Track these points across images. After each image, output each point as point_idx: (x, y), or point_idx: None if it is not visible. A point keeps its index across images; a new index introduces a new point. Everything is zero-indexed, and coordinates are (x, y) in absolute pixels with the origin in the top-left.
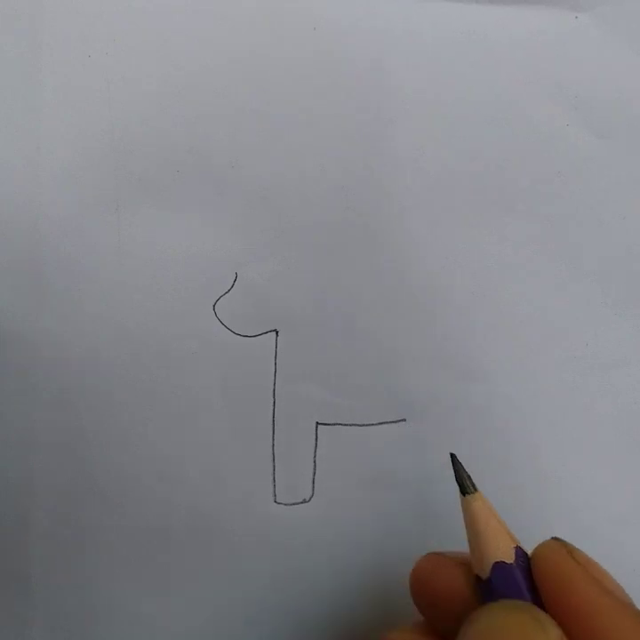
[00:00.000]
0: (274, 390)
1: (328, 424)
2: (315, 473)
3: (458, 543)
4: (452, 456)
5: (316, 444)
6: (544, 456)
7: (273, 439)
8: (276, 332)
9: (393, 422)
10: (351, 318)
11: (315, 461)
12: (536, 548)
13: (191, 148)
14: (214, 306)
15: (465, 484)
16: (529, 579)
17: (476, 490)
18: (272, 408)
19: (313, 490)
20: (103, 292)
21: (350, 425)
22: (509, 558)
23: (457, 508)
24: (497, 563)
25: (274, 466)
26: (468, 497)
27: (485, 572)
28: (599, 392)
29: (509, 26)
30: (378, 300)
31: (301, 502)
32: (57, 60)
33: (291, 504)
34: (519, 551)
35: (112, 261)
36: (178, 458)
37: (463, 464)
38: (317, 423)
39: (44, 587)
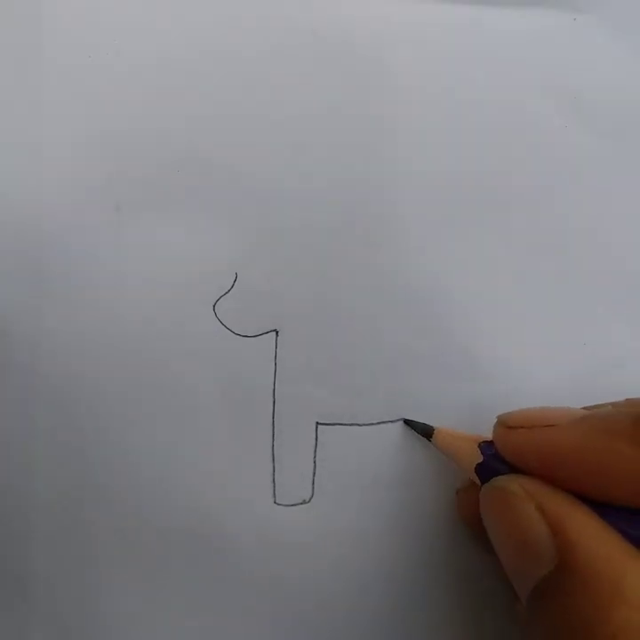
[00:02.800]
0: (274, 390)
1: (328, 424)
2: (315, 473)
3: (458, 542)
4: (405, 421)
5: (316, 445)
6: None
7: (273, 439)
8: (276, 332)
9: (393, 422)
10: (351, 318)
11: (315, 462)
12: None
13: (191, 148)
14: (214, 306)
15: (426, 432)
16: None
17: (433, 429)
18: (272, 408)
19: (313, 490)
20: (103, 291)
21: (350, 425)
22: (478, 456)
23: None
24: (476, 466)
25: (273, 466)
26: (432, 440)
27: (472, 472)
28: (598, 392)
29: (509, 27)
30: (378, 301)
31: (301, 503)
32: (57, 60)
33: (290, 505)
34: (483, 445)
35: (112, 261)
36: (178, 458)
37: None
38: (317, 423)
39: (44, 587)
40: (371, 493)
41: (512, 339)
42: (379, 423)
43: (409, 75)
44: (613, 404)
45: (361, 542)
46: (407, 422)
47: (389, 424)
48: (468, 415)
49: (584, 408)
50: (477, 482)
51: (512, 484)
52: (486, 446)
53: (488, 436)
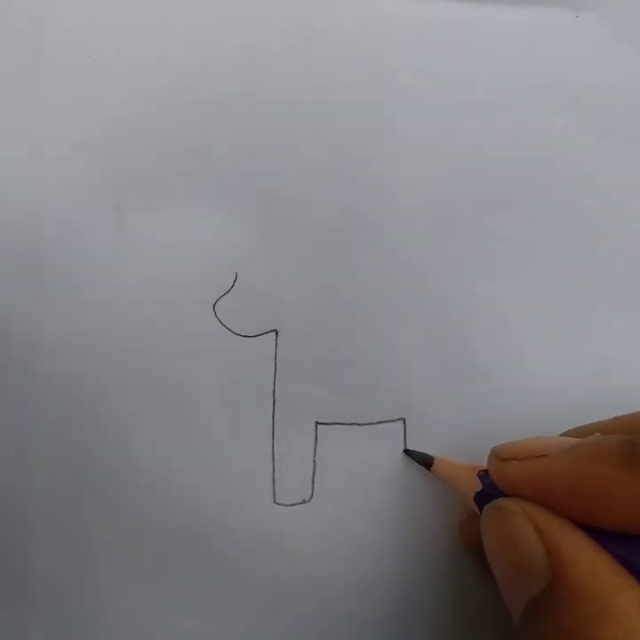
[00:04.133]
0: (274, 390)
1: (328, 424)
2: (314, 473)
3: (454, 540)
4: (405, 451)
5: (316, 444)
6: None
7: (272, 439)
8: (276, 332)
9: (393, 422)
10: (351, 318)
11: (314, 461)
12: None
13: (191, 148)
14: (214, 306)
15: (425, 462)
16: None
17: (433, 459)
18: (272, 408)
19: (312, 490)
20: (103, 291)
21: (350, 425)
22: (477, 485)
23: (455, 509)
24: (475, 494)
25: (273, 466)
26: (432, 469)
27: (471, 501)
28: (597, 392)
29: (510, 26)
30: (378, 301)
31: (301, 502)
32: (57, 60)
33: (290, 504)
34: (481, 474)
35: (112, 261)
36: (177, 458)
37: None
38: (317, 423)
39: (44, 587)
40: (370, 493)
41: (512, 339)
42: (378, 423)
43: (409, 74)
44: (602, 423)
45: (360, 542)
46: (407, 452)
47: (389, 424)
48: (467, 415)
49: (573, 429)
50: (476, 510)
51: (512, 504)
52: (485, 475)
53: (484, 462)
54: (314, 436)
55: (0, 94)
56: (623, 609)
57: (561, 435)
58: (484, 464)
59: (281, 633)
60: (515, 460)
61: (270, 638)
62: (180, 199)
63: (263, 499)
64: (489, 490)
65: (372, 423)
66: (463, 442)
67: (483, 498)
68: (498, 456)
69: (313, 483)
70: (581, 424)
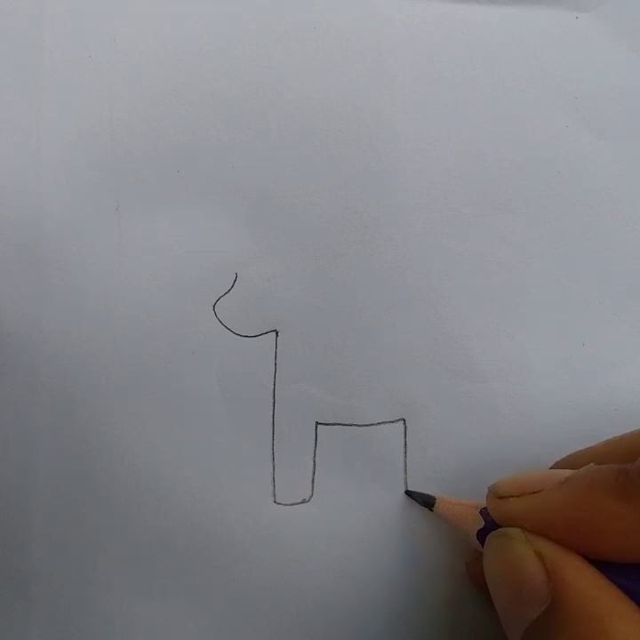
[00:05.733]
0: (274, 390)
1: (328, 424)
2: (314, 473)
3: (457, 541)
4: (407, 492)
5: (316, 444)
6: (544, 456)
7: (272, 439)
8: (276, 332)
9: (393, 422)
10: (351, 318)
11: (314, 461)
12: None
13: (191, 148)
14: (214, 306)
15: (428, 502)
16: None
17: (434, 499)
18: (272, 408)
19: (312, 490)
20: (103, 291)
21: (350, 425)
22: (479, 522)
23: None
24: (478, 531)
25: (273, 466)
26: (434, 509)
27: (474, 538)
28: (597, 392)
29: (510, 26)
30: (378, 300)
31: (301, 502)
32: (57, 60)
33: (290, 504)
34: (483, 511)
35: (112, 261)
36: (177, 458)
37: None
38: (317, 423)
39: (44, 587)
40: (370, 493)
41: (511, 338)
42: (378, 424)
43: (409, 74)
44: (592, 450)
45: (360, 542)
46: (408, 493)
47: (389, 424)
48: (467, 415)
49: (566, 459)
50: (479, 548)
51: (514, 531)
52: (486, 512)
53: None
54: (314, 436)
55: (0, 94)
56: (623, 633)
57: (554, 464)
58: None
59: (281, 633)
60: (511, 497)
61: (270, 638)
62: (180, 199)
63: (263, 498)
64: (491, 526)
65: (371, 424)
66: (463, 442)
67: (485, 534)
68: (495, 494)
69: (313, 483)
70: (582, 424)
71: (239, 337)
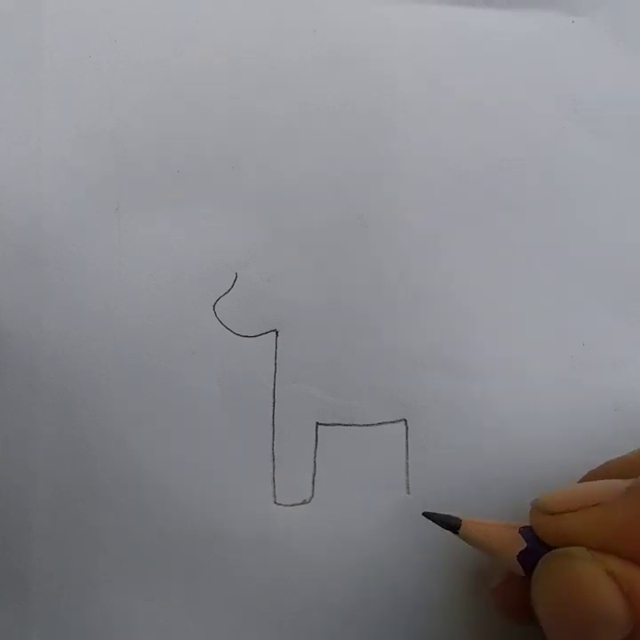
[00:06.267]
0: (274, 390)
1: (328, 424)
2: (315, 473)
3: (456, 541)
4: (425, 514)
5: (316, 445)
6: (546, 456)
7: (273, 439)
8: (276, 332)
9: (393, 422)
10: (351, 318)
11: (315, 462)
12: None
13: (191, 148)
14: (214, 306)
15: (451, 525)
16: None
17: (459, 521)
18: (272, 408)
19: (313, 491)
20: (103, 291)
21: (350, 425)
22: (520, 544)
23: (455, 510)
24: (519, 554)
25: (273, 466)
26: (460, 532)
27: (514, 561)
28: (597, 392)
29: (507, 29)
30: (378, 300)
31: (301, 503)
32: (57, 60)
33: (291, 505)
34: (523, 531)
35: (112, 261)
36: (177, 458)
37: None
38: (317, 423)
39: (44, 587)
40: (371, 494)
41: (512, 338)
42: (379, 424)
43: (408, 75)
44: (625, 459)
45: (361, 543)
46: (427, 515)
47: (389, 424)
48: (468, 415)
49: (598, 469)
50: (519, 572)
51: (578, 550)
52: (527, 531)
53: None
54: (314, 436)
55: (0, 94)
56: None
57: (588, 474)
58: (511, 519)
59: (281, 633)
60: (567, 512)
61: (270, 638)
62: (180, 199)
63: (263, 499)
64: (537, 547)
65: (372, 424)
66: (465, 443)
67: (530, 557)
68: (546, 511)
69: (313, 483)
70: (582, 424)
71: (239, 337)
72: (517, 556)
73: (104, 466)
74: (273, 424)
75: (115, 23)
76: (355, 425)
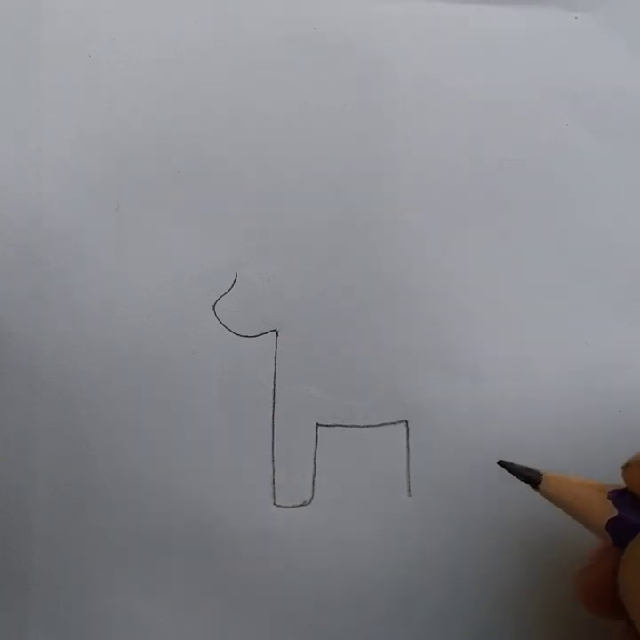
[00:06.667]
0: (274, 390)
1: (328, 425)
2: (315, 475)
3: (456, 542)
4: (501, 464)
5: (316, 446)
6: (547, 457)
7: (272, 440)
8: (276, 332)
9: (393, 423)
10: (351, 319)
11: (315, 463)
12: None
13: (191, 148)
14: (214, 306)
15: (531, 478)
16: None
17: (541, 475)
18: (272, 409)
19: (313, 492)
20: (103, 291)
21: (350, 426)
22: (610, 511)
23: (456, 511)
24: (608, 522)
25: (273, 467)
26: (540, 487)
27: (602, 529)
28: (601, 392)
29: (509, 26)
30: (378, 300)
31: (301, 505)
32: (57, 59)
33: (290, 506)
34: (613, 495)
35: (112, 261)
36: (177, 459)
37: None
38: (317, 424)
39: (44, 587)
40: (371, 495)
41: (513, 338)
42: (379, 425)
43: (409, 74)
44: None
45: (361, 544)
46: (503, 464)
47: (390, 425)
48: (468, 415)
49: None
50: (607, 539)
51: None
52: (620, 495)
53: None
54: (314, 437)
55: (0, 94)
56: None
57: None
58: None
59: (280, 634)
60: None
61: (270, 638)
62: (179, 199)
63: (263, 500)
64: (628, 515)
65: (372, 425)
66: (466, 443)
67: (619, 526)
68: None
69: (313, 485)
70: (584, 425)
71: (239, 337)
72: (606, 524)
73: (104, 466)
74: (273, 424)
75: (114, 23)
76: (355, 426)
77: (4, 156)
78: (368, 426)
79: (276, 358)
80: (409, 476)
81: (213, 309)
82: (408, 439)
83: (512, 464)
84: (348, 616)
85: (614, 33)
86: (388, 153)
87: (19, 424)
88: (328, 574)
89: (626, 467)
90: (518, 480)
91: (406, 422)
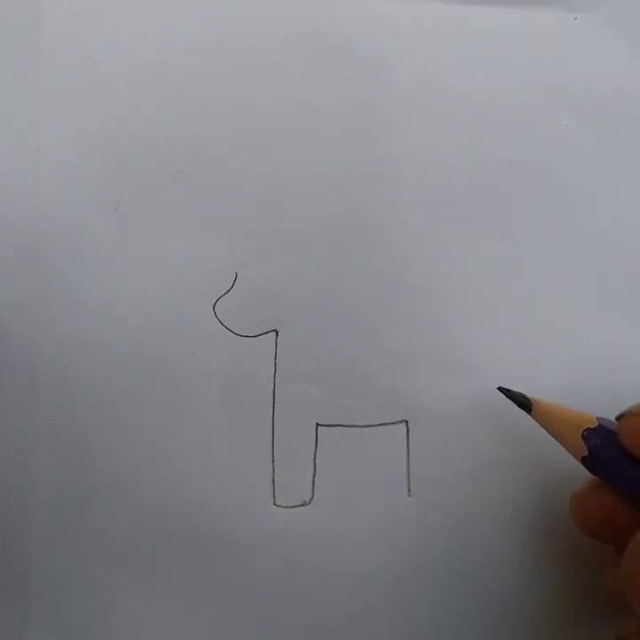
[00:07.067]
0: (274, 390)
1: (328, 425)
2: (315, 475)
3: (456, 543)
4: (500, 389)
5: (316, 446)
6: (546, 456)
7: (272, 440)
8: (276, 332)
9: (393, 423)
10: (351, 319)
11: (315, 463)
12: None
13: (191, 148)
14: (214, 306)
15: (523, 404)
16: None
17: (531, 403)
18: (272, 409)
19: (313, 492)
20: (103, 291)
21: (350, 426)
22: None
23: (456, 511)
24: (585, 430)
25: (273, 467)
26: (532, 413)
27: (582, 450)
28: (601, 392)
29: (509, 27)
30: (378, 300)
31: (301, 505)
32: (57, 59)
33: (290, 506)
34: (587, 434)
35: (112, 261)
36: (177, 459)
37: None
38: (317, 424)
39: (44, 587)
40: (371, 495)
41: (513, 339)
42: (379, 425)
43: (409, 74)
44: None
45: (361, 545)
46: (502, 390)
47: (390, 425)
48: (469, 415)
49: None
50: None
51: None
52: (591, 436)
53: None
54: (314, 437)
55: (0, 94)
56: None
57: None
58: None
59: (280, 634)
60: None
61: (269, 638)
62: (179, 199)
63: (263, 500)
64: (598, 452)
65: (372, 425)
66: (466, 443)
67: (591, 462)
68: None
69: (313, 485)
70: None
71: (239, 337)
72: (582, 460)
73: (104, 466)
74: (273, 424)
75: (114, 23)
76: (355, 426)
77: (4, 156)
78: (368, 426)
79: (276, 358)
80: (409, 476)
81: (213, 309)
82: (408, 439)
83: (509, 390)
84: (348, 616)
85: (614, 33)
86: (387, 153)
87: (19, 424)
88: (328, 574)
89: (620, 417)
90: (518, 479)
91: (406, 422)
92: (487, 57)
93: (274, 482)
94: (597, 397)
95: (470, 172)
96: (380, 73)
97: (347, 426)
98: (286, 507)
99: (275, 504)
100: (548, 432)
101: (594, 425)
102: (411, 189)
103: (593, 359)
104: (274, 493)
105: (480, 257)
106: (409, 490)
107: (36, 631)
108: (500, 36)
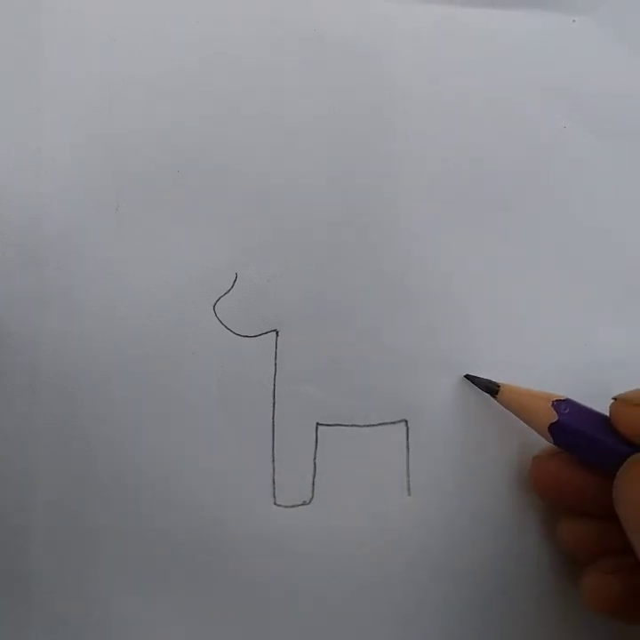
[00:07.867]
0: (274, 390)
1: (328, 425)
2: (315, 474)
3: (456, 542)
4: (467, 377)
5: (316, 445)
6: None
7: (273, 440)
8: (276, 332)
9: (393, 423)
10: (351, 319)
11: (315, 463)
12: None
13: (191, 148)
14: (214, 306)
15: (490, 388)
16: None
17: (498, 386)
18: (272, 408)
19: (313, 492)
20: (103, 291)
21: (350, 425)
22: (551, 416)
23: (456, 511)
24: (555, 401)
25: (273, 467)
26: (498, 397)
27: (546, 431)
28: (599, 393)
29: (508, 29)
30: (378, 300)
31: (301, 504)
32: (57, 60)
33: (291, 506)
34: (556, 403)
35: (112, 262)
36: (177, 458)
37: None
38: (317, 424)
39: (44, 587)
40: (371, 495)
41: (512, 339)
42: (379, 424)
43: (409, 75)
44: None
45: (361, 544)
46: (469, 377)
47: (390, 425)
48: (469, 415)
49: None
50: (549, 441)
51: None
52: (560, 404)
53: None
54: (314, 437)
55: (0, 94)
56: None
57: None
58: (554, 393)
59: (281, 634)
60: None
61: (269, 638)
62: (179, 199)
63: (263, 500)
64: (567, 421)
65: (372, 424)
66: (466, 443)
67: (558, 428)
68: (628, 402)
69: (313, 484)
70: None
71: (239, 337)
72: (548, 427)
73: (104, 466)
74: (273, 424)
75: (114, 23)
76: (355, 425)
77: (4, 156)
78: (368, 426)
79: (276, 358)
80: (409, 476)
81: (213, 309)
82: (408, 439)
83: (476, 377)
84: (348, 616)
85: (614, 34)
86: (388, 153)
87: (19, 423)
88: (328, 573)
89: (614, 399)
90: (518, 480)
91: (406, 422)
92: (487, 58)
93: (274, 481)
94: (597, 397)
95: (470, 172)
96: (380, 73)
97: (347, 426)
98: (286, 506)
99: (275, 504)
100: (517, 410)
101: (564, 398)
102: (411, 189)
103: (593, 359)
104: (274, 493)
105: (480, 257)
106: (409, 489)
107: (36, 631)
108: (500, 37)
